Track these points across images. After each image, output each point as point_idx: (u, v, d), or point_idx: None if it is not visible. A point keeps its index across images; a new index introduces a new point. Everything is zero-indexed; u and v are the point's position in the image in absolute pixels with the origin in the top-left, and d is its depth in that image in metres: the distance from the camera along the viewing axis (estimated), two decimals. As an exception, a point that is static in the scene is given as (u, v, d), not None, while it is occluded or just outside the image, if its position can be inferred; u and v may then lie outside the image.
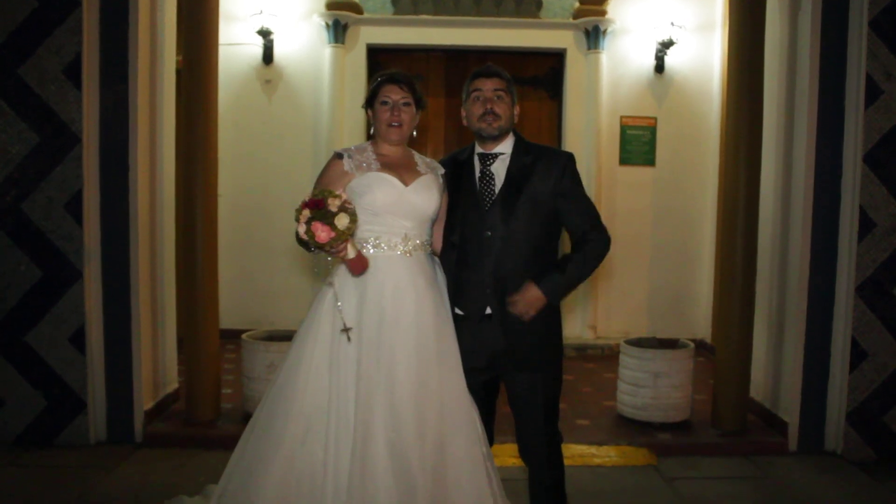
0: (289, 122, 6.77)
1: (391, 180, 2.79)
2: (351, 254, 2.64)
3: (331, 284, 2.82)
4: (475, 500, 2.74)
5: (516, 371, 2.87)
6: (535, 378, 2.86)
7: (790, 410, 4.53)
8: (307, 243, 2.56)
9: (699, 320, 6.87)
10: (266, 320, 6.54)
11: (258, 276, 6.85)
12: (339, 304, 2.74)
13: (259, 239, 6.81)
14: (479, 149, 2.96)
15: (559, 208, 2.84)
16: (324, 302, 2.82)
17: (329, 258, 2.68)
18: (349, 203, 2.55)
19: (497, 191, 2.86)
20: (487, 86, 2.87)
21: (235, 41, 6.54)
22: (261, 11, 6.41)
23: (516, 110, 2.97)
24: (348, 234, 2.54)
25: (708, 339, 6.62)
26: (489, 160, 2.91)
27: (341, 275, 2.81)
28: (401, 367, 2.70)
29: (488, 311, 2.83)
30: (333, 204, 2.50)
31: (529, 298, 2.76)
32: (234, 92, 6.61)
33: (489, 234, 2.81)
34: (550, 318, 2.88)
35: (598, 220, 2.92)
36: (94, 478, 3.93)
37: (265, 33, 6.53)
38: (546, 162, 2.90)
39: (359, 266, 2.68)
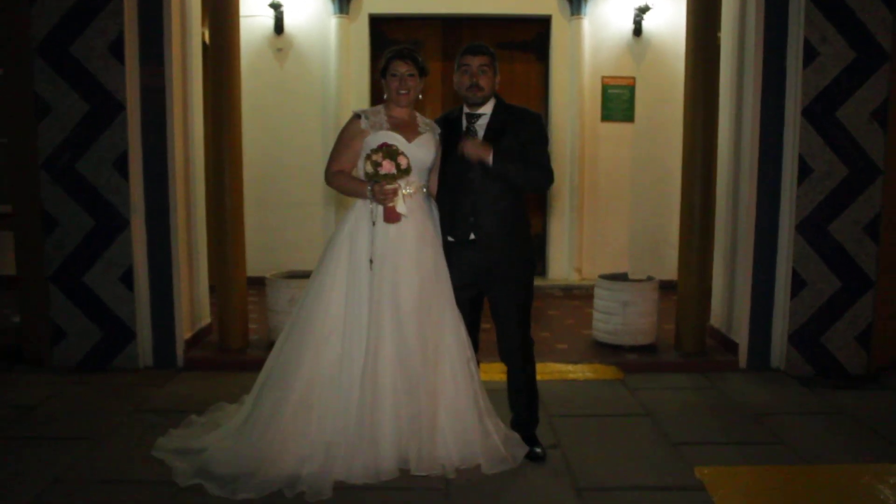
0: (299, 86, 7.43)
1: (397, 137, 3.46)
2: (399, 205, 3.38)
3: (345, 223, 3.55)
4: (461, 391, 3.48)
5: (495, 285, 3.59)
6: (510, 289, 3.58)
7: (741, 333, 5.23)
8: (373, 174, 3.31)
9: (674, 264, 7.49)
10: (282, 267, 7.22)
11: (276, 228, 7.54)
12: (373, 223, 3.44)
13: (275, 193, 7.50)
14: (466, 110, 3.63)
15: (523, 153, 3.52)
16: (342, 234, 3.53)
17: (375, 203, 3.38)
18: (408, 160, 3.33)
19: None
20: (475, 62, 3.53)
21: (250, 13, 7.15)
22: (272, -16, 7.03)
23: (497, 79, 3.62)
24: (404, 175, 3.32)
25: (682, 279, 7.32)
26: (474, 119, 3.59)
27: (356, 213, 3.51)
28: (404, 285, 3.42)
29: (472, 236, 3.54)
30: (399, 151, 3.32)
31: (469, 145, 3.42)
32: (249, 60, 7.22)
33: (471, 175, 3.51)
34: (523, 241, 3.59)
35: (548, 164, 3.57)
36: (146, 393, 4.66)
37: (276, 5, 7.15)
38: (519, 120, 3.58)
39: (393, 217, 3.40)
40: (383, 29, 7.45)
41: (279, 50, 7.37)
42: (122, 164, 4.92)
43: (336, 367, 3.41)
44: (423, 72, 3.57)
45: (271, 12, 7.20)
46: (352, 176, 3.55)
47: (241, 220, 5.32)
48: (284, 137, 7.43)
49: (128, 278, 5.00)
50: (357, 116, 3.55)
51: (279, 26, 7.27)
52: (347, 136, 3.54)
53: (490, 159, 3.41)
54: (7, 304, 6.13)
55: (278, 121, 7.44)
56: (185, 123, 5.24)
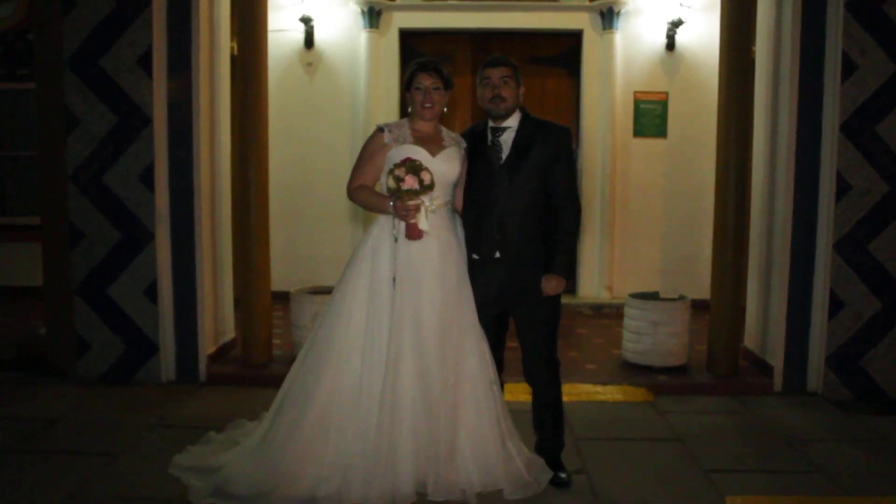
0: (329, 101, 7.42)
1: (420, 151, 3.38)
2: (422, 222, 3.29)
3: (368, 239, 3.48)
4: (483, 414, 3.38)
5: (520, 303, 3.49)
6: (535, 308, 3.47)
7: (776, 355, 5.06)
8: (395, 190, 3.24)
9: (707, 282, 7.33)
10: (309, 281, 7.18)
11: (302, 243, 7.51)
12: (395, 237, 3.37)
13: (303, 209, 7.48)
14: (491, 123, 3.55)
15: (549, 172, 3.42)
16: (364, 251, 3.45)
17: (397, 218, 3.31)
18: (431, 175, 3.26)
19: (504, 157, 3.46)
20: (496, 73, 3.45)
21: (280, 28, 7.16)
22: (302, 0, 7.03)
23: (521, 91, 3.54)
24: (427, 190, 3.24)
25: (715, 298, 7.15)
26: (499, 132, 3.51)
27: (379, 228, 3.44)
28: (426, 304, 3.33)
29: (497, 254, 3.44)
30: (422, 166, 3.24)
31: (552, 286, 3.40)
32: (279, 74, 7.22)
33: (497, 191, 3.42)
34: (546, 259, 3.45)
35: (575, 189, 3.52)
36: (168, 407, 4.63)
37: (306, 20, 7.16)
38: (545, 135, 3.48)
39: (416, 234, 3.31)
40: (413, 43, 7.43)
41: (309, 64, 7.38)
42: (148, 177, 4.92)
43: (355, 388, 3.33)
44: (448, 84, 3.49)
45: (301, 27, 7.20)
46: (374, 191, 3.49)
47: (267, 235, 5.29)
48: (313, 151, 7.41)
49: (152, 292, 4.99)
50: (380, 130, 3.49)
51: (309, 41, 7.27)
52: (370, 150, 3.48)
53: (567, 275, 3.45)
54: (35, 316, 6.16)
55: (307, 134, 7.43)
56: (212, 137, 5.23)
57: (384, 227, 3.42)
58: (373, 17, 7.20)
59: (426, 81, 3.42)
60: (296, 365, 3.56)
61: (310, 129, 7.43)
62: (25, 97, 7.28)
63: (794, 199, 4.94)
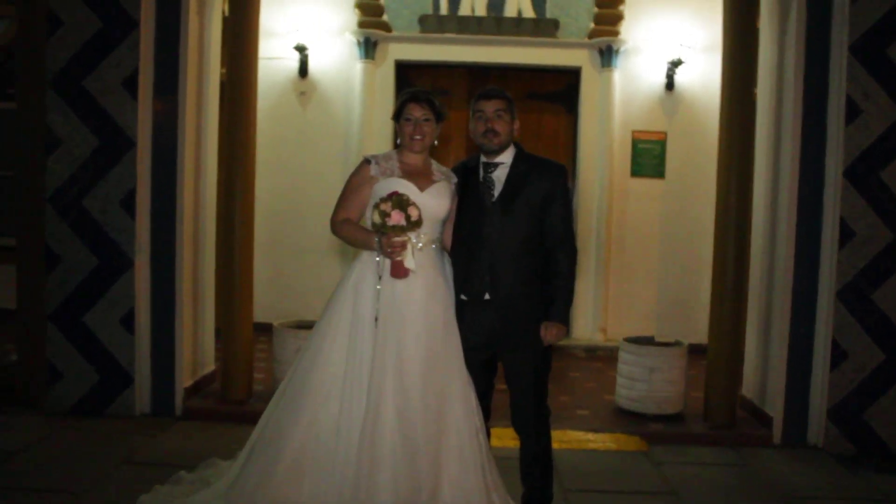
0: (322, 131, 7.28)
1: (408, 185, 3.21)
2: (408, 260, 3.12)
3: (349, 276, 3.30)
4: (467, 464, 3.17)
5: (510, 350, 3.30)
6: (526, 356, 3.28)
7: (775, 406, 4.87)
8: (380, 225, 3.07)
9: (704, 326, 7.16)
10: (298, 315, 6.99)
11: (290, 275, 7.34)
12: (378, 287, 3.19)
13: (292, 240, 7.31)
14: (483, 158, 3.40)
15: (544, 211, 3.26)
16: (346, 288, 3.27)
17: (382, 255, 3.14)
18: (419, 211, 3.08)
19: (496, 194, 3.30)
20: (489, 107, 3.31)
21: (274, 55, 7.06)
22: (297, 29, 6.95)
23: (516, 125, 3.39)
24: (414, 227, 3.07)
25: (712, 343, 6.97)
26: (491, 168, 3.35)
27: (362, 265, 3.26)
28: (410, 346, 3.14)
29: (487, 296, 3.26)
30: (410, 201, 3.07)
31: (553, 334, 3.23)
32: (271, 102, 7.13)
33: (488, 230, 3.25)
34: (539, 303, 3.28)
35: (572, 231, 3.36)
36: (139, 442, 4.42)
37: (301, 48, 7.06)
38: (540, 172, 3.33)
39: (401, 272, 3.13)
40: (409, 76, 7.33)
41: (302, 93, 7.26)
42: (129, 203, 4.76)
43: (332, 433, 3.12)
44: (439, 117, 3.34)
45: (296, 55, 7.10)
46: (359, 225, 3.32)
47: (251, 266, 5.12)
48: (304, 181, 7.26)
49: (129, 321, 4.80)
50: (367, 161, 3.33)
51: (304, 69, 7.16)
52: (355, 182, 3.31)
53: (565, 320, 3.29)
54: (7, 341, 5.95)
55: (298, 164, 7.29)
56: (198, 164, 5.09)
57: (368, 263, 3.24)
58: (369, 47, 7.10)
59: (416, 112, 3.27)
60: (271, 405, 3.36)
61: (301, 159, 7.29)
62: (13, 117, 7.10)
63: (796, 245, 4.79)
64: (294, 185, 7.30)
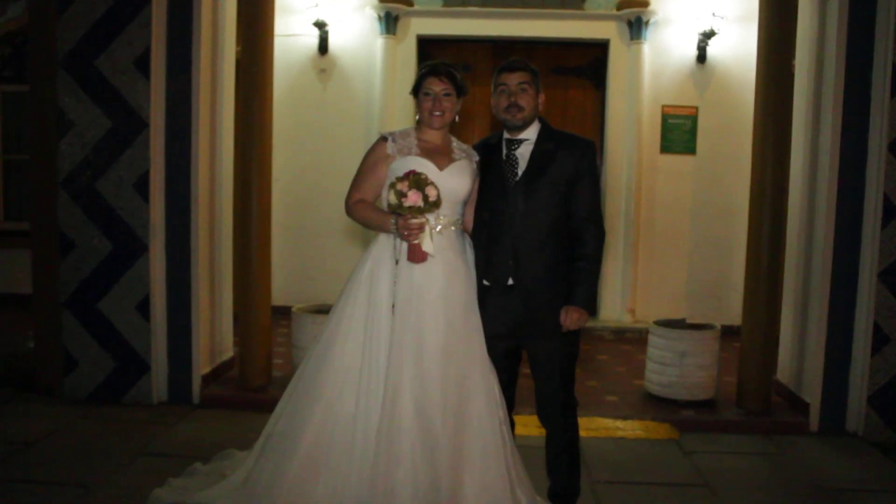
0: (342, 109, 7.12)
1: (427, 164, 3.04)
2: (426, 243, 2.94)
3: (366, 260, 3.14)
4: (490, 459, 3.01)
5: (535, 338, 3.13)
6: (552, 345, 3.11)
7: (812, 392, 4.66)
8: (397, 206, 2.89)
9: (736, 307, 6.88)
10: (318, 298, 6.88)
11: (311, 257, 7.22)
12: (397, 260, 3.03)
13: (312, 221, 7.18)
14: (506, 135, 3.21)
15: (570, 190, 3.07)
16: (361, 273, 3.12)
17: (399, 238, 2.97)
18: (438, 191, 2.90)
19: (520, 173, 3.12)
20: (512, 79, 3.11)
21: (293, 32, 6.91)
22: (317, 4, 6.77)
23: (541, 99, 3.19)
24: (432, 207, 2.89)
25: (744, 325, 6.74)
26: (514, 145, 3.16)
27: (379, 248, 3.11)
28: (429, 334, 2.98)
29: (510, 282, 3.09)
30: (428, 181, 2.88)
31: (573, 319, 3.03)
32: (290, 81, 6.99)
33: (511, 211, 3.07)
34: (565, 288, 3.08)
35: (599, 212, 3.15)
36: (155, 432, 4.33)
37: (320, 25, 6.88)
38: (567, 148, 3.12)
39: (419, 256, 2.96)
40: (431, 51, 7.12)
41: (322, 71, 7.09)
42: (143, 186, 4.64)
43: (349, 425, 2.97)
44: (461, 91, 3.15)
45: (316, 32, 6.93)
46: (375, 207, 3.15)
47: (268, 250, 4.98)
48: (325, 161, 7.10)
49: (144, 307, 4.71)
50: (383, 139, 3.16)
51: (323, 46, 6.99)
52: (371, 161, 3.15)
53: (589, 306, 3.07)
54: (27, 327, 5.90)
55: (320, 144, 7.14)
56: (213, 145, 4.94)
57: (384, 247, 3.08)
58: (390, 22, 6.90)
59: (436, 87, 3.09)
60: (285, 396, 3.23)
61: (321, 139, 7.13)
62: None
63: (836, 223, 4.56)
64: (314, 165, 7.16)
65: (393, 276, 3.02)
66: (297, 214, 7.14)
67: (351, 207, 3.15)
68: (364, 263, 3.12)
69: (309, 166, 7.15)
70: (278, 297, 7.02)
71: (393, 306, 3.00)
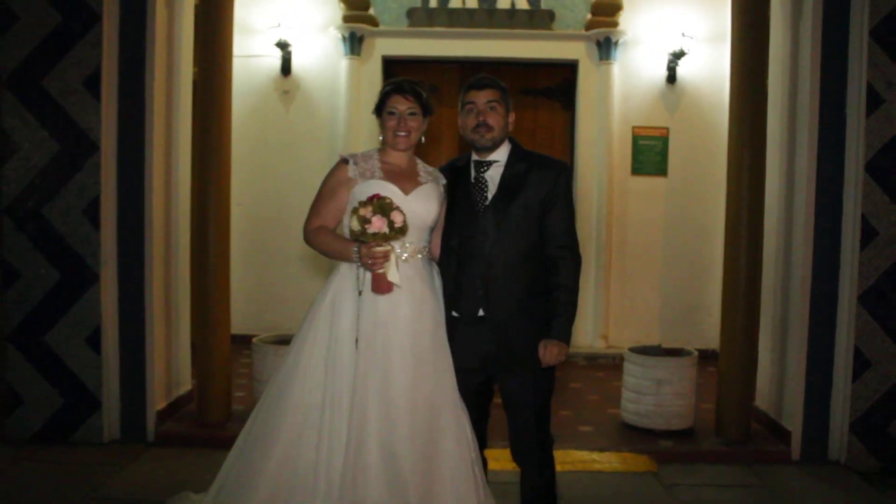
0: (306, 131, 6.92)
1: (391, 188, 2.86)
2: (391, 273, 2.74)
3: (326, 291, 2.93)
4: (463, 501, 2.82)
5: (508, 373, 2.94)
6: (526, 380, 2.92)
7: (793, 419, 4.52)
8: (360, 233, 2.68)
9: (711, 331, 6.83)
10: (283, 326, 6.65)
11: (274, 283, 6.98)
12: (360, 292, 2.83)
13: (275, 246, 6.95)
14: (474, 156, 3.04)
15: (544, 215, 2.90)
16: (321, 306, 2.92)
17: (362, 268, 2.77)
18: (404, 217, 2.70)
19: (490, 197, 2.95)
20: (480, 98, 2.95)
21: (254, 53, 6.71)
22: (279, 24, 6.58)
23: (511, 118, 3.03)
24: (398, 235, 2.70)
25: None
26: (483, 167, 2.99)
27: (340, 278, 2.91)
28: (396, 371, 2.78)
29: (481, 312, 2.91)
30: (393, 206, 2.69)
31: (553, 354, 2.85)
32: (252, 103, 6.79)
33: (481, 238, 2.90)
34: (541, 320, 2.92)
35: (574, 237, 2.98)
36: (106, 474, 4.05)
37: (283, 45, 6.69)
38: (540, 170, 2.96)
39: (384, 286, 2.76)
40: (397, 72, 6.95)
41: (286, 92, 6.90)
42: (93, 211, 4.39)
43: (310, 471, 2.76)
44: (427, 110, 2.98)
45: (278, 52, 6.73)
46: (335, 234, 2.96)
47: (227, 276, 4.74)
48: (288, 185, 6.88)
49: (95, 339, 4.43)
50: (344, 161, 2.97)
51: (286, 67, 6.80)
52: (331, 185, 2.96)
53: (567, 339, 2.90)
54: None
55: (283, 166, 6.92)
56: (168, 168, 4.72)
57: (346, 277, 2.89)
58: (354, 43, 6.74)
59: (401, 105, 2.92)
60: (240, 438, 3.00)
61: (285, 162, 6.92)
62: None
63: (814, 246, 4.44)
64: (277, 189, 6.94)
65: (356, 308, 2.82)
66: (261, 238, 6.91)
67: (309, 235, 2.95)
68: (324, 295, 2.92)
69: (272, 190, 6.93)
70: (241, 324, 6.79)
71: (356, 341, 2.79)
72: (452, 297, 2.94)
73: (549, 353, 2.84)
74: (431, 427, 2.80)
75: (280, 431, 2.83)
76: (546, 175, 2.94)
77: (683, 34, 6.56)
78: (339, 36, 6.74)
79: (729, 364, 4.65)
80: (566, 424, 4.96)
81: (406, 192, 2.89)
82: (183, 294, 4.95)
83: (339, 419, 2.75)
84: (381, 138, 3.02)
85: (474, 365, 2.93)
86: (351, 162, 2.94)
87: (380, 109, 2.97)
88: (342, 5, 6.74)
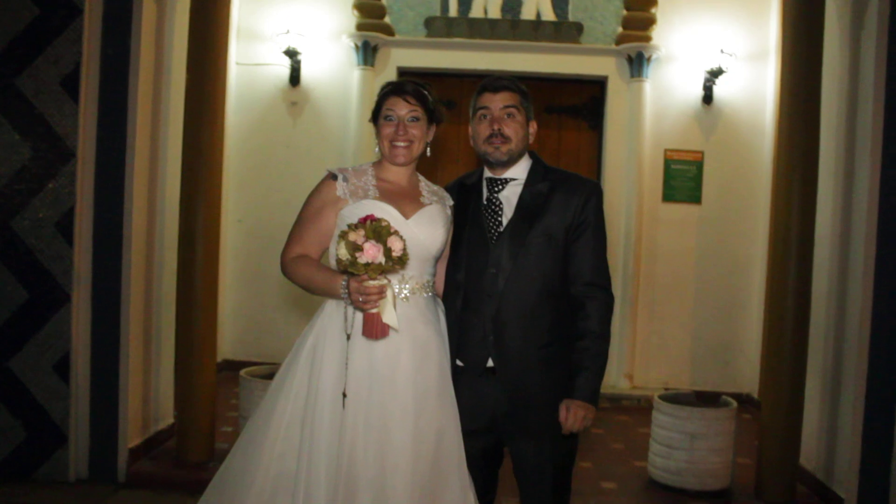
0: (314, 146, 6.48)
1: (389, 211, 2.39)
2: (387, 313, 2.22)
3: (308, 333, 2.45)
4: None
5: (521, 437, 2.45)
6: (544, 447, 2.43)
7: (847, 485, 3.98)
8: (349, 264, 2.16)
9: (746, 373, 6.31)
10: (283, 353, 6.17)
11: (276, 306, 6.52)
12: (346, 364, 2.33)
13: (277, 268, 6.40)
14: (487, 173, 2.58)
15: (570, 245, 2.41)
16: (300, 353, 2.44)
17: (353, 306, 2.27)
18: (403, 244, 2.18)
19: (505, 222, 2.47)
20: (495, 102, 2.48)
21: (260, 61, 6.32)
22: (288, 31, 6.17)
23: (532, 128, 2.57)
24: (396, 266, 2.18)
25: (755, 394, 6.05)
26: (498, 186, 2.53)
27: (324, 319, 2.42)
28: (395, 433, 2.28)
29: (490, 363, 2.42)
30: (390, 230, 2.17)
31: (578, 418, 2.35)
32: (258, 114, 6.39)
33: (493, 272, 2.42)
34: (563, 373, 2.43)
35: (606, 273, 2.49)
36: (66, 521, 3.61)
37: (292, 53, 6.28)
38: (566, 191, 2.49)
39: (378, 330, 2.24)
40: (414, 85, 6.53)
41: (294, 103, 6.47)
42: (67, 225, 3.98)
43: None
44: (433, 116, 2.51)
45: (287, 61, 6.31)
46: (320, 264, 2.46)
47: (215, 301, 4.29)
48: (295, 202, 6.32)
49: (64, 367, 4.00)
50: (332, 177, 2.50)
51: (295, 77, 6.37)
52: (315, 206, 2.48)
53: (595, 400, 2.38)
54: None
55: (289, 183, 6.46)
56: (153, 180, 4.30)
57: (332, 317, 2.39)
58: (368, 53, 6.31)
59: (401, 109, 2.45)
60: (208, 490, 2.51)
61: (291, 177, 6.47)
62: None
63: (875, 284, 3.93)
64: (283, 206, 6.46)
65: (343, 356, 2.32)
66: (263, 259, 6.45)
67: (287, 265, 2.47)
68: (304, 339, 2.43)
69: (276, 208, 6.47)
70: (238, 350, 6.42)
71: (343, 396, 2.29)
72: (457, 342, 2.45)
73: (572, 416, 2.34)
74: (435, 497, 2.29)
75: (250, 494, 2.34)
76: (573, 197, 2.47)
77: (722, 51, 6.06)
78: (352, 45, 6.31)
79: (772, 416, 4.13)
80: (587, 478, 4.42)
81: (406, 215, 2.42)
82: (166, 319, 4.51)
83: (316, 488, 2.25)
84: (376, 150, 2.54)
85: (481, 425, 2.43)
86: (340, 178, 2.46)
87: (375, 115, 2.50)
88: (356, 12, 6.33)
